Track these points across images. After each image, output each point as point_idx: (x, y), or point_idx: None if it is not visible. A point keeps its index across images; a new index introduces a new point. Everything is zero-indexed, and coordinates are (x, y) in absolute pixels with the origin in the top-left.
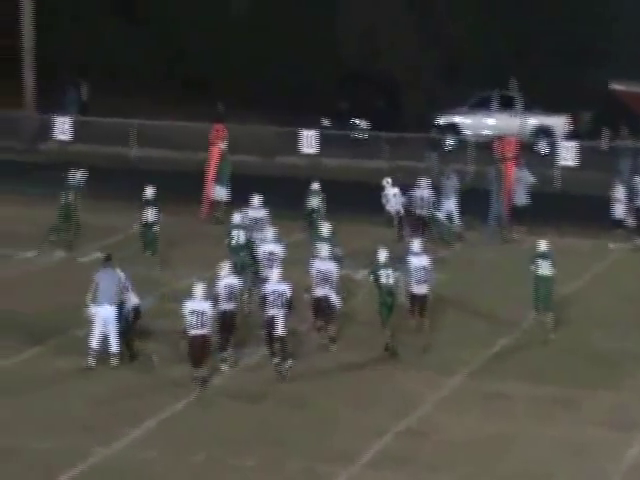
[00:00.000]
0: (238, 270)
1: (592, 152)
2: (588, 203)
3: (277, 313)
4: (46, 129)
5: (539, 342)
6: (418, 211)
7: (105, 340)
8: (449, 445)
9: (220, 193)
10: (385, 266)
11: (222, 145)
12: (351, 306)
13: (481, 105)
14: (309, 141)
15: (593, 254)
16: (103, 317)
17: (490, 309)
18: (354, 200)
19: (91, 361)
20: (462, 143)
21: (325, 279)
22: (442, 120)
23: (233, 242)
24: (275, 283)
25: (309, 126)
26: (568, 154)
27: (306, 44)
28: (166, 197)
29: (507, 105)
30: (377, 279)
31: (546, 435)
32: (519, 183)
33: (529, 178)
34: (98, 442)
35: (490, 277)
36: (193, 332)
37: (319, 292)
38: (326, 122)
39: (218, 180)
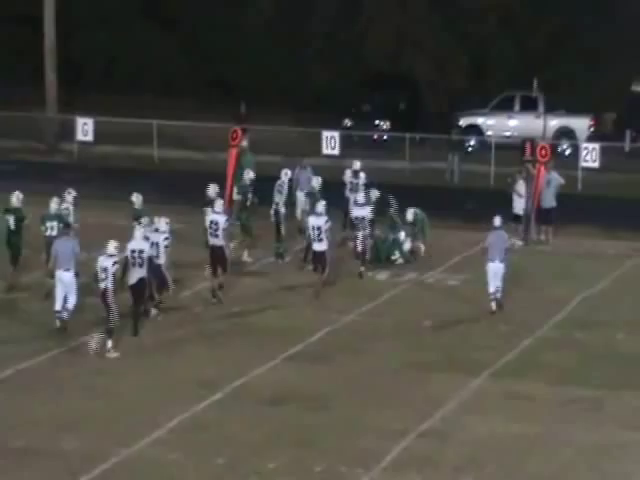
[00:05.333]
0: None
1: (615, 154)
2: (610, 205)
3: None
4: (68, 130)
5: (562, 344)
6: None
7: None
8: (473, 446)
9: None
10: None
11: (244, 143)
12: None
13: (503, 106)
14: (331, 142)
15: (616, 256)
16: None
17: (513, 310)
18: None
19: None
20: (484, 144)
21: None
22: (464, 121)
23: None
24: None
25: (331, 127)
26: (590, 156)
27: (329, 44)
28: (188, 198)
29: (529, 106)
30: None
31: (570, 436)
32: (548, 186)
33: (560, 180)
34: (119, 443)
35: (514, 278)
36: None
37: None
38: (348, 123)
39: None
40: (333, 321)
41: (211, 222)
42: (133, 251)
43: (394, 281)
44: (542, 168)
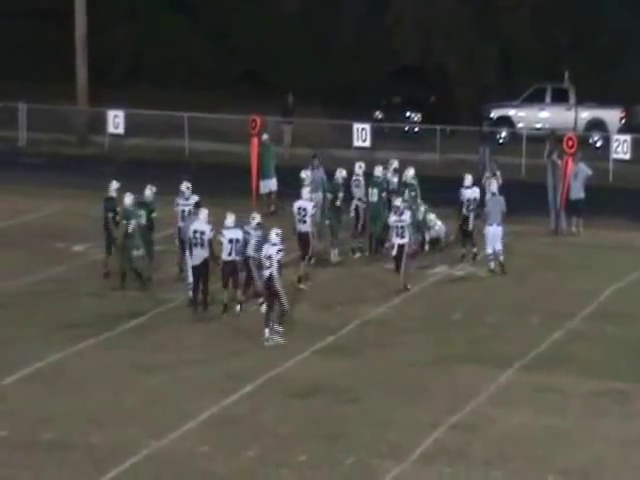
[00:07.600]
0: None
1: None
2: None
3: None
4: (99, 123)
5: (592, 336)
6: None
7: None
8: (502, 439)
9: (268, 185)
10: None
11: (265, 136)
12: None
13: (534, 98)
14: (362, 134)
15: None
16: None
17: (544, 302)
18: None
19: None
20: (515, 136)
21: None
22: (495, 113)
23: None
24: None
25: (362, 119)
26: (621, 147)
27: (359, 37)
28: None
29: (560, 98)
30: None
31: (598, 429)
32: (576, 177)
33: (587, 171)
34: (150, 435)
35: (544, 270)
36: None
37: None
38: (379, 115)
39: (264, 173)
40: (363, 314)
41: (299, 208)
42: (195, 232)
43: (424, 273)
44: (570, 160)
